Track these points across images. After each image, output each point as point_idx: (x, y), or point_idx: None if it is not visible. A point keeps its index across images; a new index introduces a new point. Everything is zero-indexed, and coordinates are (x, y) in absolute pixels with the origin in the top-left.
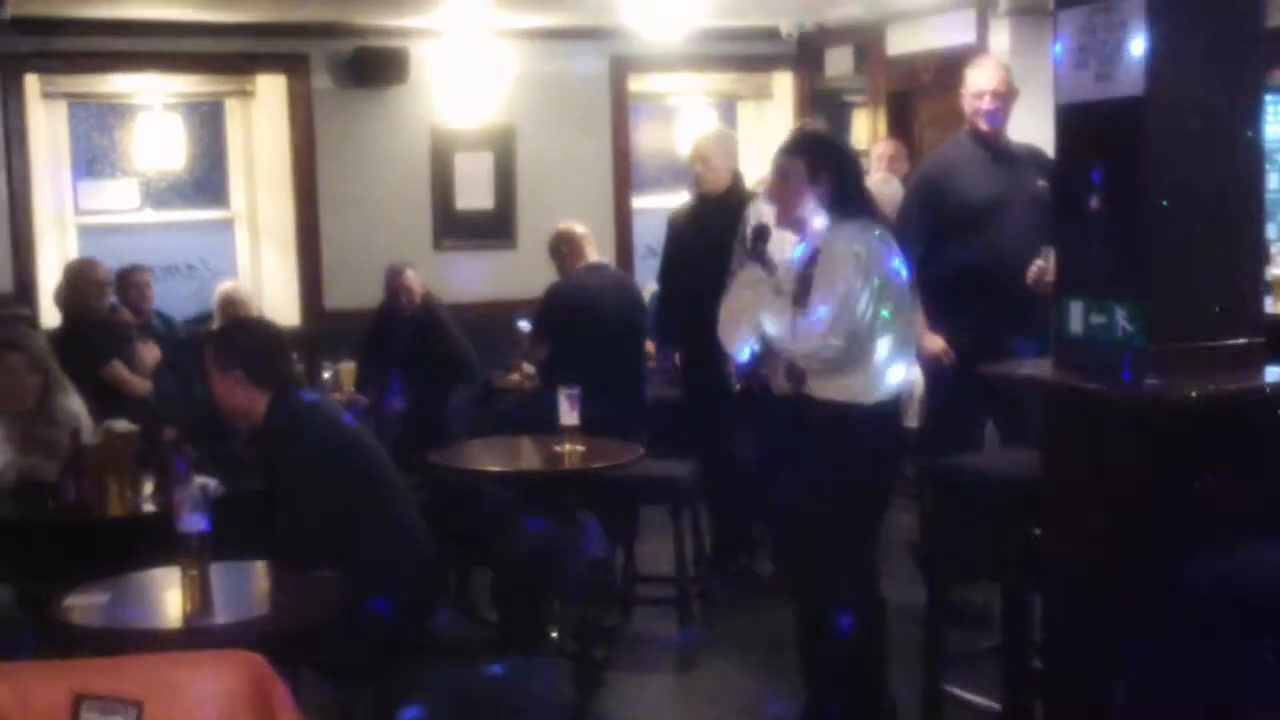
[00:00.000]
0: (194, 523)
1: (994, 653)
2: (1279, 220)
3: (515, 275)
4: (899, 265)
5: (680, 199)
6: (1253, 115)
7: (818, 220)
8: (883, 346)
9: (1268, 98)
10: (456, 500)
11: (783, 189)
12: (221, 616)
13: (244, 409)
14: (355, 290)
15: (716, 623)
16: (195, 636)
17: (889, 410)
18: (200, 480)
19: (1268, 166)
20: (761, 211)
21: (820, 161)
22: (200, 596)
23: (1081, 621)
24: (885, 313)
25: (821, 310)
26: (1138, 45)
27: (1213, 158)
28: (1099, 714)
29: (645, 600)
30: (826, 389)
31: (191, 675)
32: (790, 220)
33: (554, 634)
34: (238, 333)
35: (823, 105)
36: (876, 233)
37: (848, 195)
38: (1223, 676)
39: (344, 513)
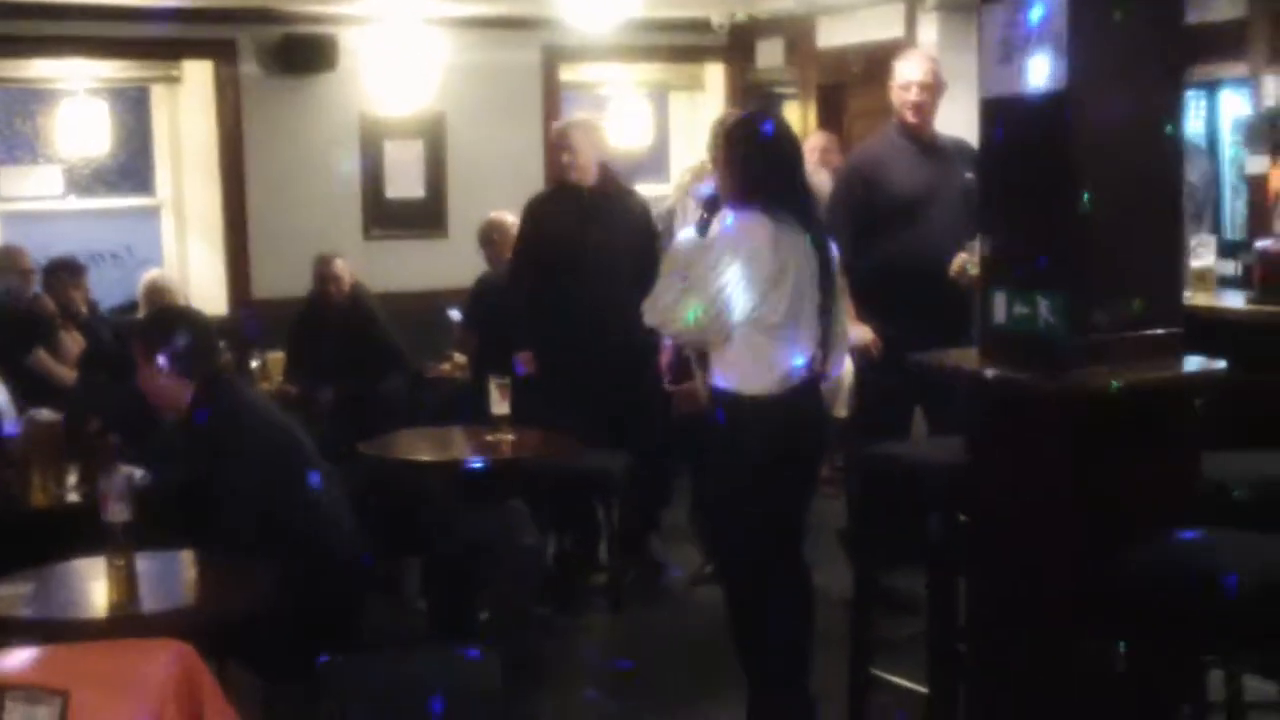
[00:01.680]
0: (119, 512)
1: (921, 638)
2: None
3: (446, 264)
4: (788, 256)
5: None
6: (1173, 111)
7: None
8: (758, 335)
9: (1188, 93)
10: (385, 490)
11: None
12: (148, 606)
13: (169, 398)
14: (284, 279)
15: (648, 613)
16: (122, 626)
17: (783, 401)
18: (126, 470)
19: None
20: (688, 204)
21: (729, 149)
22: (126, 586)
23: (1005, 608)
24: (754, 301)
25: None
26: (1059, 41)
27: (1133, 153)
28: (1021, 699)
29: (578, 589)
30: (717, 375)
31: (119, 664)
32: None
33: (484, 623)
34: (163, 322)
35: (754, 97)
36: (768, 222)
37: (749, 185)
38: (1139, 665)
39: (270, 503)
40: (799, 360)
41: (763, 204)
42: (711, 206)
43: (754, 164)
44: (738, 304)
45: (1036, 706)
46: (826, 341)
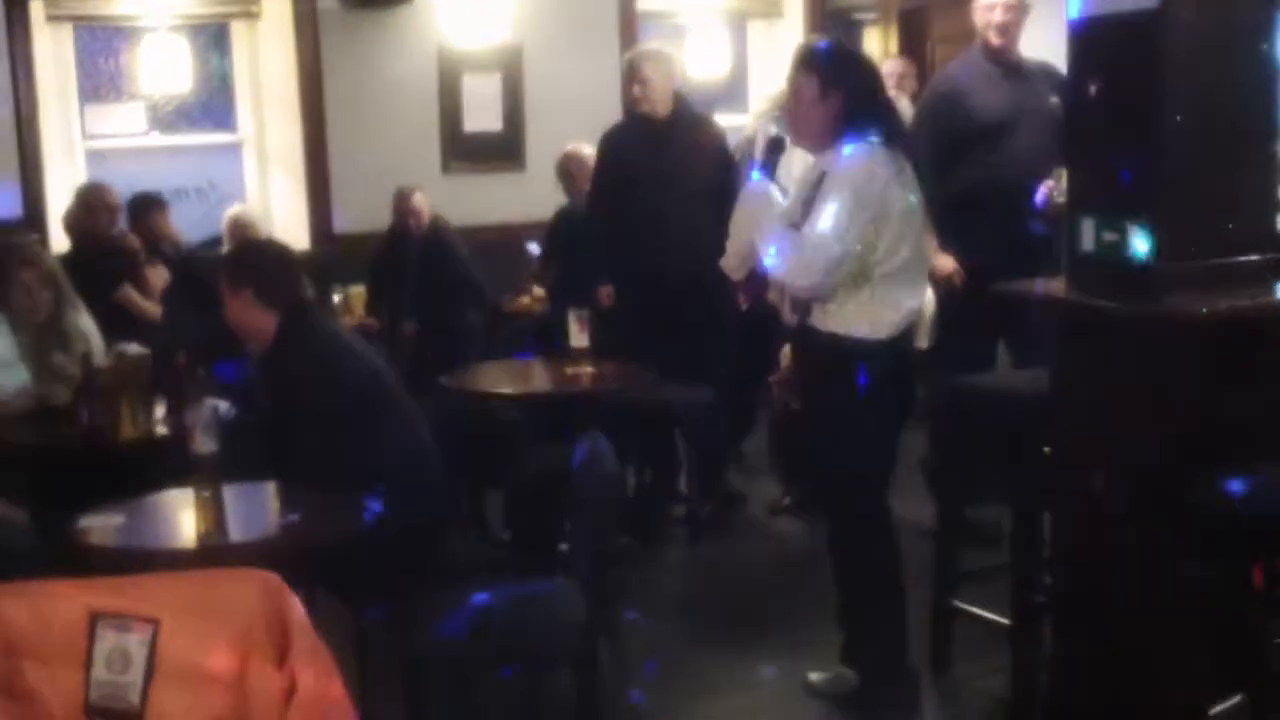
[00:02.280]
0: (206, 444)
1: (1004, 570)
2: None
3: (524, 198)
4: (908, 192)
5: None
6: (1268, 29)
7: (827, 141)
8: (885, 279)
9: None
10: (467, 422)
11: (794, 107)
12: (236, 536)
13: (254, 329)
14: (364, 214)
15: (726, 544)
16: (210, 556)
17: (894, 347)
18: (212, 402)
19: None
20: (770, 131)
21: (830, 78)
22: (214, 516)
23: (1092, 539)
24: (883, 244)
25: (808, 237)
26: None
27: (1227, 73)
28: (1107, 630)
29: (658, 521)
30: (827, 320)
31: (207, 593)
32: (801, 140)
33: (565, 553)
34: (248, 253)
35: (834, 23)
36: (885, 157)
37: (860, 115)
38: (1229, 594)
39: (355, 434)
40: (916, 302)
41: (870, 136)
42: (775, 148)
43: (858, 93)
44: (873, 247)
45: (1123, 637)
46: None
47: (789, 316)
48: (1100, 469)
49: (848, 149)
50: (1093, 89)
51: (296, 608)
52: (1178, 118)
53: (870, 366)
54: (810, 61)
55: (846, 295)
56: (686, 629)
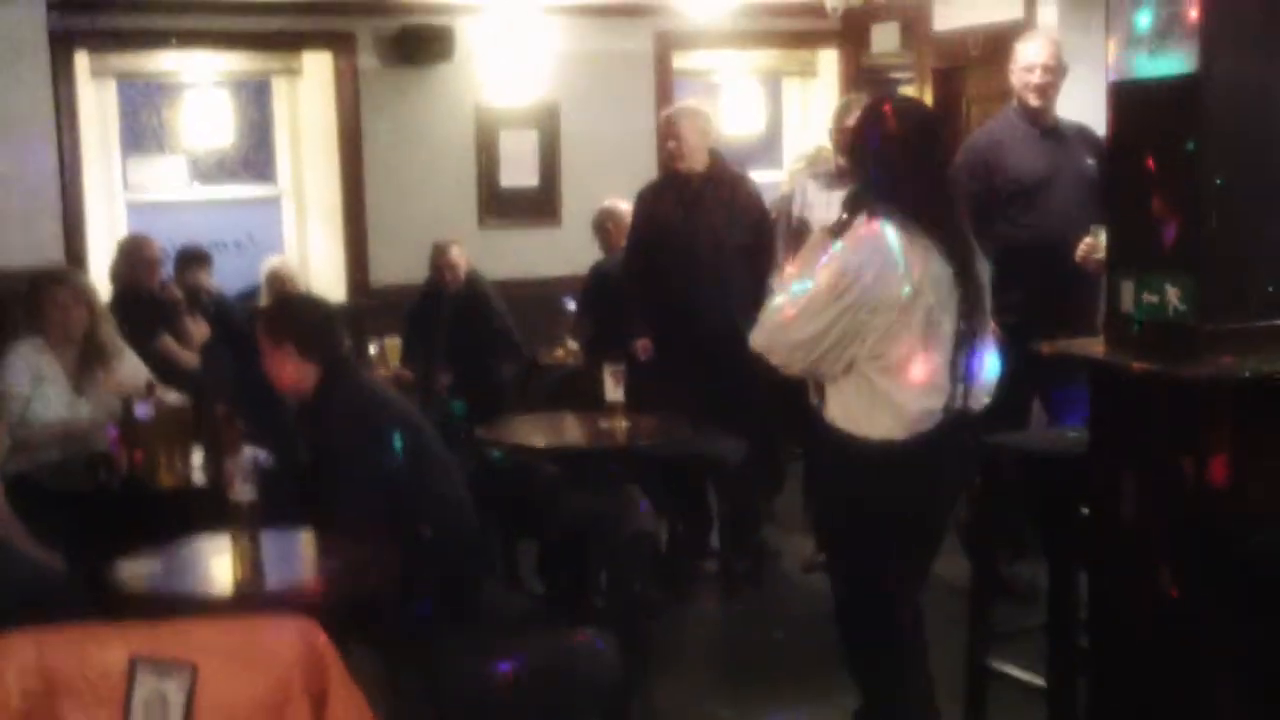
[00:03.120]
0: (245, 492)
1: (1040, 630)
2: None
3: (560, 253)
4: (921, 281)
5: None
6: None
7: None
8: (882, 374)
9: None
10: (503, 474)
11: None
12: (273, 584)
13: (294, 382)
14: (401, 266)
15: (759, 599)
16: (247, 604)
17: (902, 453)
18: (251, 451)
19: None
20: (806, 188)
21: (861, 139)
22: (252, 564)
23: (1129, 600)
24: (872, 337)
25: (781, 311)
26: (1190, 21)
27: (1267, 134)
28: (1144, 693)
29: (691, 576)
30: (832, 409)
31: (246, 638)
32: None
33: (599, 607)
34: (289, 306)
35: (869, 83)
36: (895, 242)
37: (884, 185)
38: (1271, 655)
39: (392, 488)
40: (930, 403)
41: (897, 210)
42: (855, 205)
43: (889, 161)
44: (857, 333)
45: (1160, 700)
46: (969, 374)
47: (812, 397)
48: (1139, 530)
49: (862, 224)
50: (1133, 151)
51: (335, 657)
52: (1218, 180)
53: (867, 471)
54: (862, 115)
55: (842, 385)
56: (717, 684)
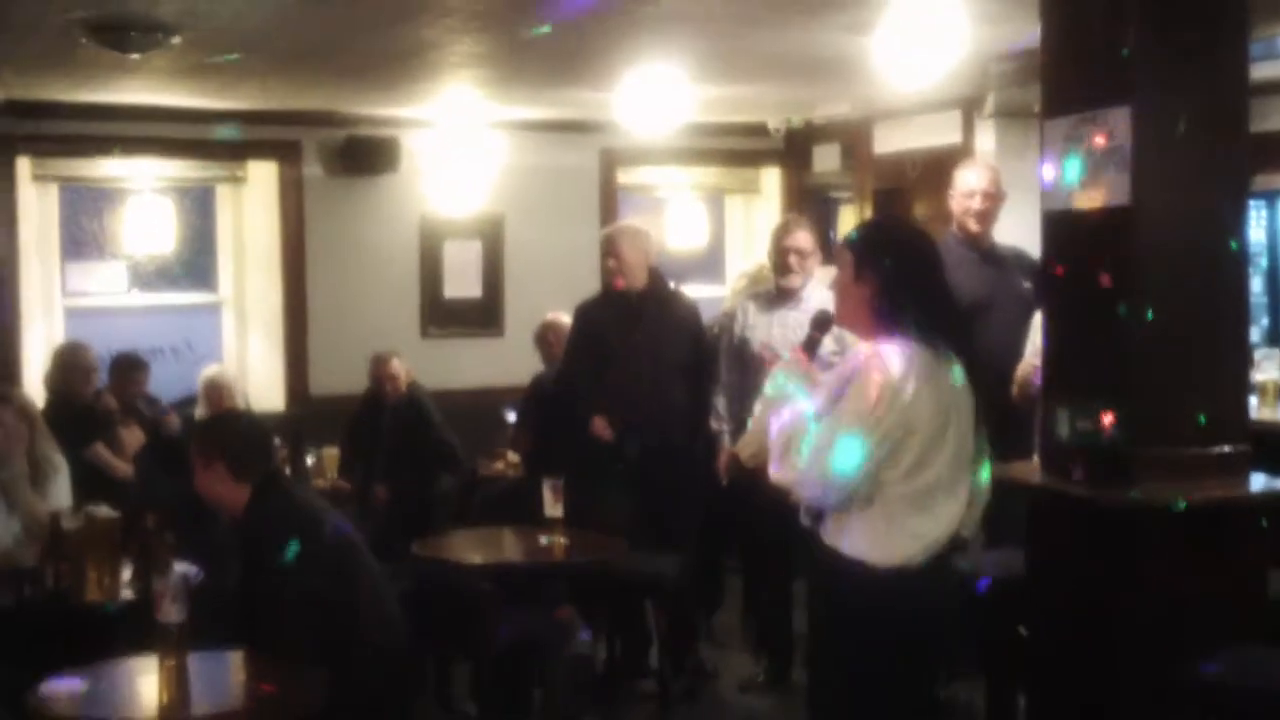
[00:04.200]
0: (173, 612)
1: None
2: (1261, 325)
3: (502, 363)
4: (946, 403)
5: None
6: (1238, 225)
7: (867, 329)
8: (901, 501)
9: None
10: (438, 590)
11: (836, 284)
12: (199, 708)
13: (225, 501)
14: (341, 376)
15: (700, 716)
16: None
17: (908, 581)
18: (181, 568)
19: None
20: (748, 309)
21: (863, 258)
22: (178, 688)
23: None
24: (904, 464)
25: (825, 465)
26: (1123, 154)
27: (1198, 267)
28: None
29: (627, 695)
30: (833, 533)
31: None
32: (843, 323)
33: None
34: (221, 425)
35: (810, 201)
36: (920, 362)
37: (896, 305)
38: None
39: (324, 606)
40: (946, 530)
41: (914, 333)
42: (822, 324)
43: (911, 281)
44: (892, 455)
45: None
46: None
47: (804, 518)
48: (1075, 653)
49: (877, 347)
50: (1066, 281)
51: None
52: (1149, 313)
53: (871, 598)
54: (850, 239)
55: (855, 511)
56: None
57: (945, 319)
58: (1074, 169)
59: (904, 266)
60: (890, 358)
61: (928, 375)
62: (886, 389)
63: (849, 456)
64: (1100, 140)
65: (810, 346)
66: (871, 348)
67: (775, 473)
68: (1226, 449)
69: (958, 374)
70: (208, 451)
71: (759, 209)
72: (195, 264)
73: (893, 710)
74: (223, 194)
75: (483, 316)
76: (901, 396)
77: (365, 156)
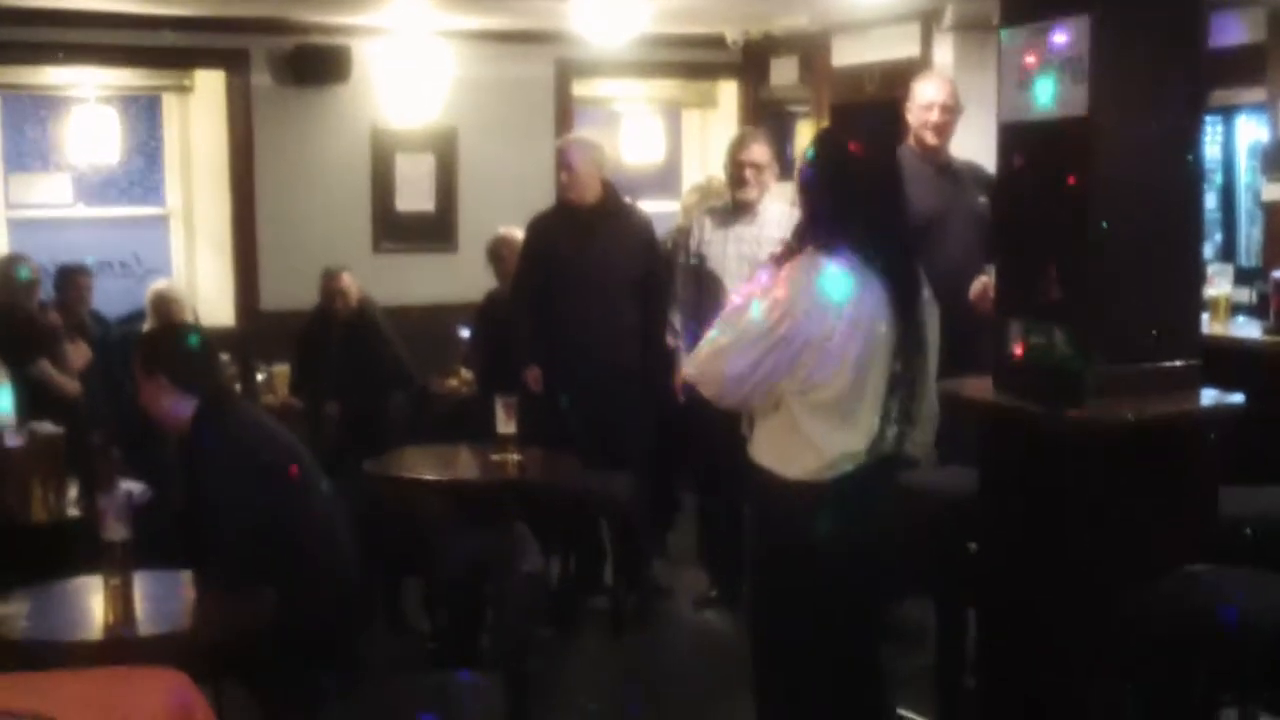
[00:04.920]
0: (117, 530)
1: (930, 670)
2: (1215, 240)
3: (456, 279)
4: (859, 318)
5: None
6: (1193, 138)
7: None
8: (807, 412)
9: (1205, 119)
10: (388, 509)
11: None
12: (145, 627)
13: (169, 416)
14: (292, 291)
15: (650, 637)
16: (117, 648)
17: (832, 491)
18: (126, 486)
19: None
20: (704, 225)
21: (809, 175)
22: (123, 607)
23: (1015, 642)
24: (802, 372)
25: (714, 341)
26: (1080, 66)
27: (1153, 180)
28: None
29: (581, 612)
30: (758, 445)
31: (111, 693)
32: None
33: (485, 646)
34: (164, 338)
35: (768, 115)
36: (835, 279)
37: (831, 224)
38: (1152, 702)
39: (271, 524)
40: (852, 444)
41: (842, 246)
42: (801, 236)
43: (837, 196)
44: (788, 368)
45: None
46: (906, 417)
47: (744, 429)
48: (1025, 571)
49: (800, 259)
50: (1020, 193)
51: (203, 709)
52: (1104, 224)
53: (786, 509)
54: (806, 154)
55: (769, 421)
56: None
57: (887, 239)
58: (1029, 79)
59: (851, 184)
60: (804, 270)
61: (831, 293)
62: (787, 300)
63: (741, 358)
64: (1058, 50)
65: (783, 257)
66: (799, 260)
67: (685, 369)
68: (1178, 363)
69: (888, 293)
70: (149, 364)
71: (716, 123)
72: (142, 176)
73: (820, 622)
74: (169, 104)
75: (436, 231)
76: (800, 307)
77: (315, 66)
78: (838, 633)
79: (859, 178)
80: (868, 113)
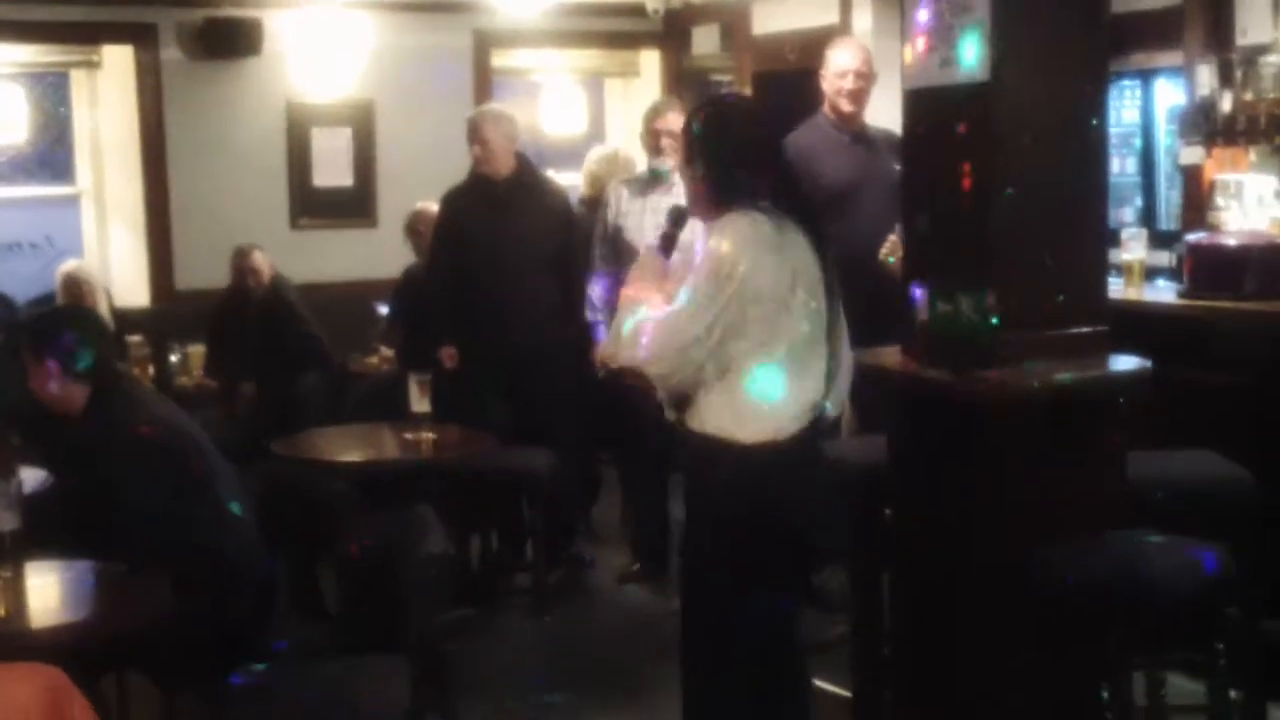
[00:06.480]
0: (7, 520)
1: (847, 639)
2: (1135, 205)
3: (376, 255)
4: (796, 269)
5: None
6: (1097, 104)
7: (710, 210)
8: (763, 368)
9: (1123, 82)
10: (296, 491)
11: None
12: (38, 620)
13: (60, 401)
14: (208, 270)
15: (574, 613)
16: (7, 642)
17: (774, 454)
18: (19, 474)
19: (1123, 152)
20: (621, 196)
21: (695, 141)
22: (13, 599)
23: (928, 609)
24: (753, 330)
25: (663, 318)
26: (982, 30)
27: (1057, 146)
28: (945, 704)
29: (499, 592)
30: (695, 416)
31: None
32: (692, 210)
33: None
34: (52, 323)
35: (691, 84)
36: (765, 228)
37: (729, 184)
38: (1068, 669)
39: (170, 513)
40: (807, 399)
41: (759, 202)
42: (678, 219)
43: (740, 155)
44: (739, 328)
45: (960, 712)
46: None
47: (668, 412)
48: (937, 539)
49: (716, 222)
50: (926, 159)
51: (80, 705)
52: (1008, 190)
53: (750, 475)
54: (686, 125)
55: (710, 387)
56: (530, 700)
57: (785, 195)
58: (933, 45)
59: (740, 145)
60: (726, 229)
61: (769, 244)
62: (724, 260)
63: (694, 323)
64: (960, 16)
65: (666, 242)
66: (729, 217)
67: (627, 356)
68: (1085, 330)
69: (806, 241)
70: (37, 348)
71: (638, 92)
72: (51, 155)
73: (765, 585)
74: (78, 80)
75: (354, 206)
76: (739, 266)
77: (226, 39)
78: (778, 596)
79: (759, 139)
80: (789, 81)
